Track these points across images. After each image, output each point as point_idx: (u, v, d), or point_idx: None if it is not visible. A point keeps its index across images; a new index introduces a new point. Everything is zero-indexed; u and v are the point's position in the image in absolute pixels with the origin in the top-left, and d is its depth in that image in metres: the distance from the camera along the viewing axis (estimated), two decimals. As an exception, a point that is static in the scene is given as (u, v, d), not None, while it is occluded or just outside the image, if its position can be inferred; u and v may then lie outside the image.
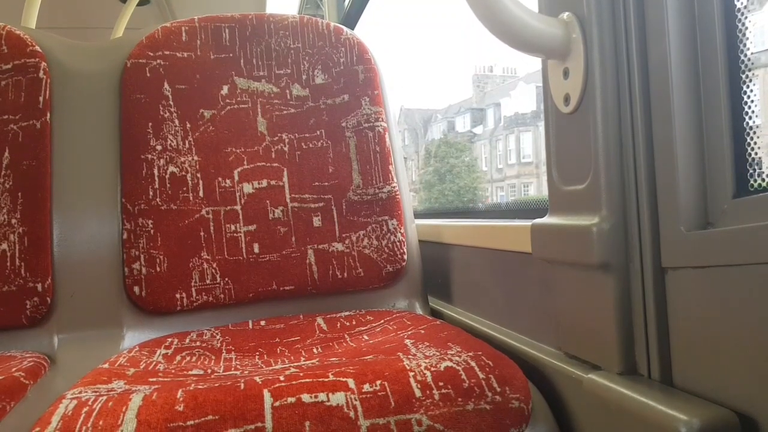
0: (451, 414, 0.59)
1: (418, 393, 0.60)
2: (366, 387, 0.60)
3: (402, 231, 1.06)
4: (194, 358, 0.81)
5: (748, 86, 0.51)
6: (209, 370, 0.75)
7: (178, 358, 0.81)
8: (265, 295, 1.01)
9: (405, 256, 1.06)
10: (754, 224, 0.45)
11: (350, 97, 1.10)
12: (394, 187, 1.08)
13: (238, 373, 0.71)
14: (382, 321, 0.92)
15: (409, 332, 0.81)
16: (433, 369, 0.63)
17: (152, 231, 0.98)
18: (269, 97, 1.08)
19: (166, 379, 0.68)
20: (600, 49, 0.59)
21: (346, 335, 0.88)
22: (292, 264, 1.02)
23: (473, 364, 0.64)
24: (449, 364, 0.64)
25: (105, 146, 1.01)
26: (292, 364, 0.73)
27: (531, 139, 26.21)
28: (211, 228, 1.01)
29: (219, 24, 1.09)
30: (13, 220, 0.94)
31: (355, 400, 0.58)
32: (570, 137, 0.64)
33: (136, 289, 0.96)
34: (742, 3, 0.51)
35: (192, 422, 0.55)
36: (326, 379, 0.61)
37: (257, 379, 0.62)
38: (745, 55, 0.51)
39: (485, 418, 0.59)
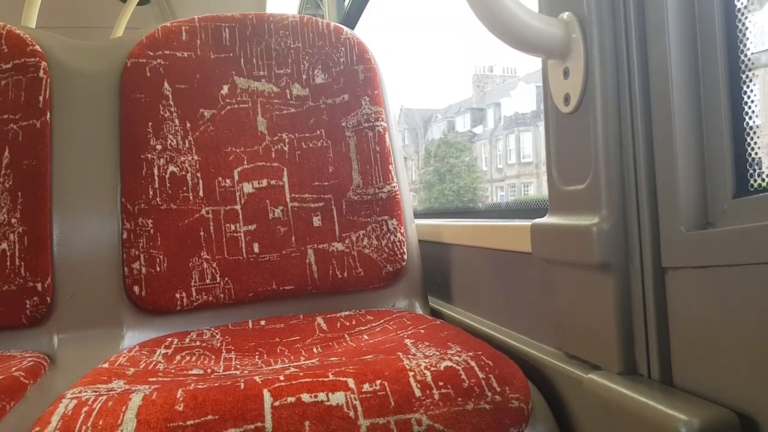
0: (451, 414, 0.59)
1: (418, 393, 0.60)
2: (366, 387, 0.60)
3: (402, 231, 1.06)
4: (194, 358, 0.81)
5: (748, 86, 0.51)
6: (209, 370, 0.75)
7: (178, 357, 0.81)
8: (265, 294, 1.01)
9: (405, 256, 1.06)
10: (754, 224, 0.45)
11: (350, 96, 1.10)
12: (394, 186, 1.08)
13: (238, 372, 0.71)
14: (382, 321, 0.92)
15: (409, 332, 0.81)
16: (433, 369, 0.63)
17: (152, 231, 0.98)
18: (269, 96, 1.08)
19: (165, 379, 0.68)
20: (600, 48, 0.59)
21: (346, 335, 0.88)
22: (292, 264, 1.02)
23: (473, 363, 0.64)
24: (449, 363, 0.64)
25: (105, 146, 1.01)
26: (292, 364, 0.73)
27: (531, 138, 26.21)
28: (211, 228, 1.01)
29: (219, 24, 1.09)
30: (13, 220, 0.94)
31: (355, 399, 0.58)
32: (570, 137, 0.64)
33: (136, 288, 0.96)
34: (742, 3, 0.51)
35: (192, 422, 0.55)
36: (326, 379, 0.61)
37: (257, 378, 0.62)
38: (745, 55, 0.51)
39: (485, 418, 0.59)
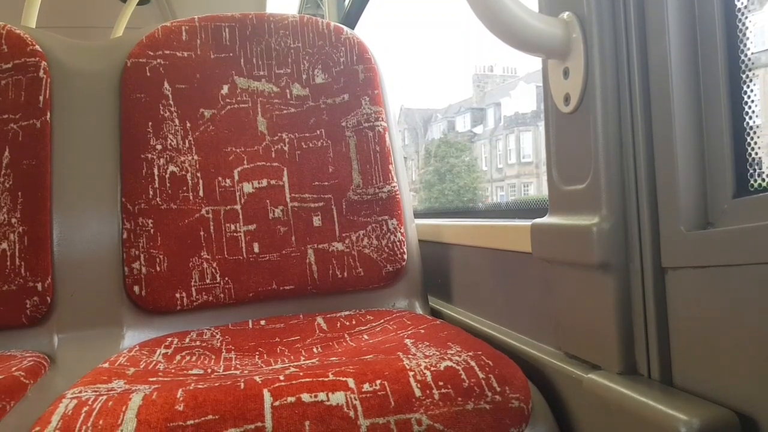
0: (451, 414, 0.59)
1: (418, 392, 0.60)
2: (366, 386, 0.60)
3: (402, 230, 1.06)
4: (194, 358, 0.81)
5: (748, 86, 0.51)
6: (209, 370, 0.75)
7: (178, 357, 0.81)
8: (265, 294, 1.01)
9: (405, 256, 1.06)
10: (754, 224, 0.45)
11: (350, 96, 1.10)
12: (394, 186, 1.08)
13: (238, 372, 0.71)
14: (382, 321, 0.92)
15: (409, 332, 0.81)
16: (433, 369, 0.63)
17: (152, 230, 0.98)
18: (269, 96, 1.08)
19: (166, 379, 0.68)
20: (600, 48, 0.59)
21: (346, 335, 0.88)
22: (292, 263, 1.02)
23: (473, 363, 0.64)
24: (449, 363, 0.64)
25: (105, 145, 1.01)
26: (292, 364, 0.73)
27: (531, 138, 26.21)
28: (211, 227, 1.01)
29: (219, 23, 1.09)
30: (13, 220, 0.94)
31: (355, 399, 0.58)
32: (570, 137, 0.64)
33: (136, 288, 0.96)
34: (742, 3, 0.51)
35: (192, 422, 0.55)
36: (326, 379, 0.61)
37: (257, 378, 0.62)
38: (745, 55, 0.51)
39: (485, 418, 0.59)
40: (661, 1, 0.53)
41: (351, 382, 0.60)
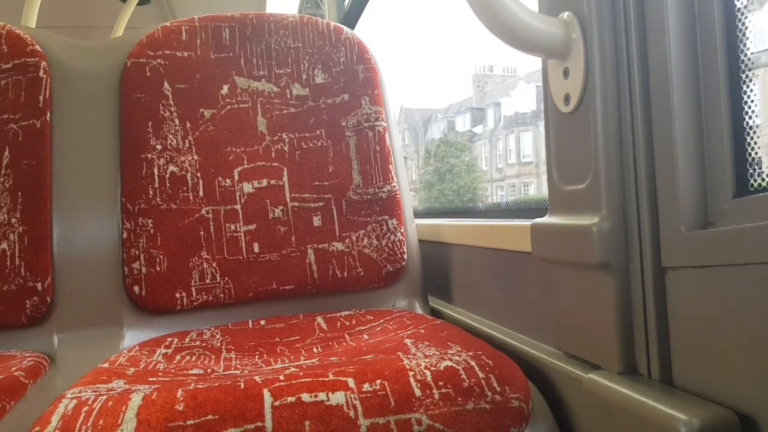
0: (451, 413, 0.59)
1: (418, 392, 0.60)
2: (366, 386, 0.60)
3: (402, 230, 1.06)
4: (194, 358, 0.81)
5: (748, 86, 0.51)
6: (209, 370, 0.75)
7: (178, 357, 0.81)
8: (265, 294, 1.01)
9: (405, 256, 1.06)
10: (754, 224, 0.45)
11: (350, 96, 1.10)
12: (394, 186, 1.08)
13: (238, 372, 0.71)
14: (382, 320, 0.92)
15: (409, 332, 0.81)
16: (433, 368, 0.63)
17: (152, 230, 0.98)
18: (269, 96, 1.08)
19: (165, 379, 0.68)
20: (600, 48, 0.59)
21: (346, 335, 0.88)
22: (292, 263, 1.02)
23: (473, 363, 0.64)
24: (449, 363, 0.64)
25: (105, 145, 1.01)
26: (292, 364, 0.73)
27: (531, 138, 26.20)
28: (211, 227, 1.01)
29: (219, 23, 1.09)
30: (13, 220, 0.94)
31: (355, 399, 0.58)
32: (570, 137, 0.64)
33: (136, 288, 0.96)
34: (742, 3, 0.51)
35: (192, 422, 0.55)
36: (326, 379, 0.61)
37: (257, 378, 0.62)
38: (745, 55, 0.51)
39: (485, 418, 0.59)
40: (661, 1, 0.53)
41: (351, 382, 0.60)
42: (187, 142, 1.03)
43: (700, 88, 0.53)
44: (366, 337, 0.85)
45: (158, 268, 0.97)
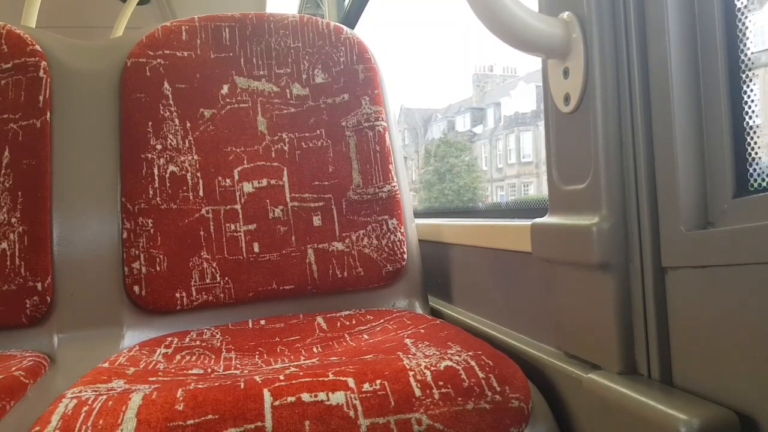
0: (451, 413, 0.59)
1: (418, 392, 0.60)
2: (366, 386, 0.60)
3: (402, 230, 1.06)
4: (194, 358, 0.81)
5: (748, 86, 0.51)
6: (209, 370, 0.75)
7: (178, 357, 0.81)
8: (265, 294, 1.01)
9: (405, 256, 1.06)
10: (754, 224, 0.45)
11: (350, 96, 1.10)
12: (394, 186, 1.08)
13: (238, 372, 0.72)
14: (382, 320, 0.92)
15: (409, 331, 0.81)
16: (433, 368, 0.63)
17: (152, 230, 0.98)
18: (269, 96, 1.08)
19: (166, 379, 0.68)
20: (600, 48, 0.59)
21: (346, 334, 0.88)
22: (292, 263, 1.02)
23: (473, 363, 0.64)
24: (449, 363, 0.64)
25: (105, 145, 1.01)
26: (291, 364, 0.73)
27: (531, 138, 26.20)
28: (211, 227, 1.01)
29: (219, 23, 1.09)
30: (13, 219, 0.94)
31: (355, 399, 0.58)
32: (570, 137, 0.64)
33: (136, 288, 0.96)
34: (742, 3, 0.51)
35: (192, 421, 0.55)
36: (326, 379, 0.61)
37: (257, 378, 0.62)
38: (745, 55, 0.51)
39: (485, 418, 0.59)
40: (661, 1, 0.53)
41: (351, 382, 0.60)
42: (187, 141, 1.03)
43: (700, 88, 0.53)
44: (366, 336, 0.85)
45: (158, 268, 0.97)
